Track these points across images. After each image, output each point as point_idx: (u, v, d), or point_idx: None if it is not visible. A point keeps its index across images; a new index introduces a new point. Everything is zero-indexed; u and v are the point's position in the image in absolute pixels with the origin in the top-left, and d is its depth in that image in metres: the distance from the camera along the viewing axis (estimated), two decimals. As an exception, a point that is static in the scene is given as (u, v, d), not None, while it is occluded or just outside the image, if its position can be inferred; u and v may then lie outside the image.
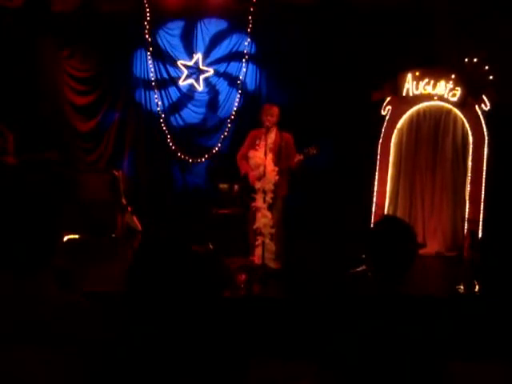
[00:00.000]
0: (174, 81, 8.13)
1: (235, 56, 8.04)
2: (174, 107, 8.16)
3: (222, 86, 8.11)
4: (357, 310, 1.97)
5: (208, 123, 8.15)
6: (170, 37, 8.08)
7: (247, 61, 8.00)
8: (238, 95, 8.00)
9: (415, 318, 1.95)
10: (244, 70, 8.00)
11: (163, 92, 8.13)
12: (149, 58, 8.06)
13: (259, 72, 8.05)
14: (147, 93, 8.14)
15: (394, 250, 2.03)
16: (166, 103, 8.15)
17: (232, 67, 8.07)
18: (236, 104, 8.01)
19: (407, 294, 2.01)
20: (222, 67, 8.08)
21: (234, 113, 8.00)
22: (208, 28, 8.02)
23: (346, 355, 1.87)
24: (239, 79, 8.00)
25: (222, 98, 8.11)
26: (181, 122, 8.17)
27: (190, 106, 8.15)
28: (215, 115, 8.13)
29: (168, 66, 8.11)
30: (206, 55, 8.06)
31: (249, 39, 7.91)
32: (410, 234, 2.06)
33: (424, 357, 1.86)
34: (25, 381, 1.27)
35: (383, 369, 1.83)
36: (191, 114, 8.15)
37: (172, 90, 8.15)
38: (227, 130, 8.02)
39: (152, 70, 8.08)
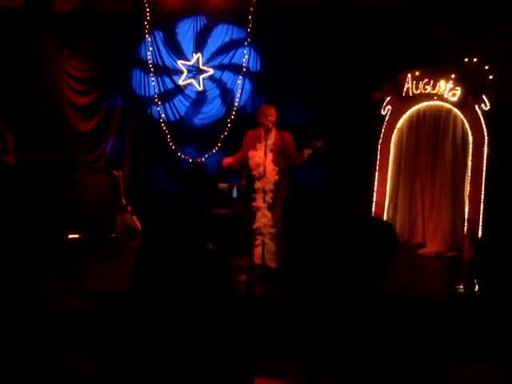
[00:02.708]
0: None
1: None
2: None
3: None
4: (343, 310, 1.99)
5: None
6: (169, 37, 8.08)
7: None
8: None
9: (400, 317, 1.97)
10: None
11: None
12: (149, 56, 8.08)
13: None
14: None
15: (374, 250, 2.05)
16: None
17: (228, 76, 8.06)
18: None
19: (391, 294, 2.02)
20: (217, 73, 8.08)
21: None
22: (208, 28, 8.03)
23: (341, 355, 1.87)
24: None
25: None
26: (176, 115, 8.17)
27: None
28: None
29: (167, 63, 8.12)
30: (206, 55, 8.07)
31: (248, 39, 7.90)
32: (390, 235, 2.10)
33: (407, 357, 1.87)
34: (29, 380, 1.27)
35: (370, 368, 1.84)
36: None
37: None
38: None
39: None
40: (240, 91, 7.98)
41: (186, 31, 8.06)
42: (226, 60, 8.04)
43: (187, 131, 8.16)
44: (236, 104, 7.98)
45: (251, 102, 7.98)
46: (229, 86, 8.06)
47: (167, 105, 8.18)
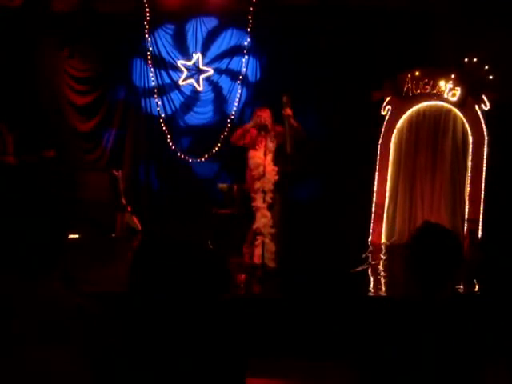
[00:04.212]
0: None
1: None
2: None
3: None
4: (397, 314, 1.97)
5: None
6: (169, 37, 8.08)
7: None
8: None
9: (452, 324, 1.96)
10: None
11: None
12: (149, 56, 8.07)
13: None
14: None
15: (435, 258, 1.98)
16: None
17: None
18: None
19: (447, 300, 2.00)
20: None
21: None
22: (208, 29, 8.02)
23: (383, 358, 1.86)
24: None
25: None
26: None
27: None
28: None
29: (167, 62, 8.11)
30: (205, 56, 8.06)
31: (248, 39, 7.88)
32: (453, 242, 2.03)
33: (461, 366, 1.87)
34: (31, 380, 1.28)
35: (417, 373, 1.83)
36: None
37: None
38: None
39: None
40: (238, 95, 7.96)
41: (186, 32, 8.04)
42: (224, 64, 8.01)
43: (184, 129, 8.15)
44: (234, 108, 7.96)
45: (250, 108, 7.93)
46: (226, 90, 8.03)
47: (165, 99, 8.15)
